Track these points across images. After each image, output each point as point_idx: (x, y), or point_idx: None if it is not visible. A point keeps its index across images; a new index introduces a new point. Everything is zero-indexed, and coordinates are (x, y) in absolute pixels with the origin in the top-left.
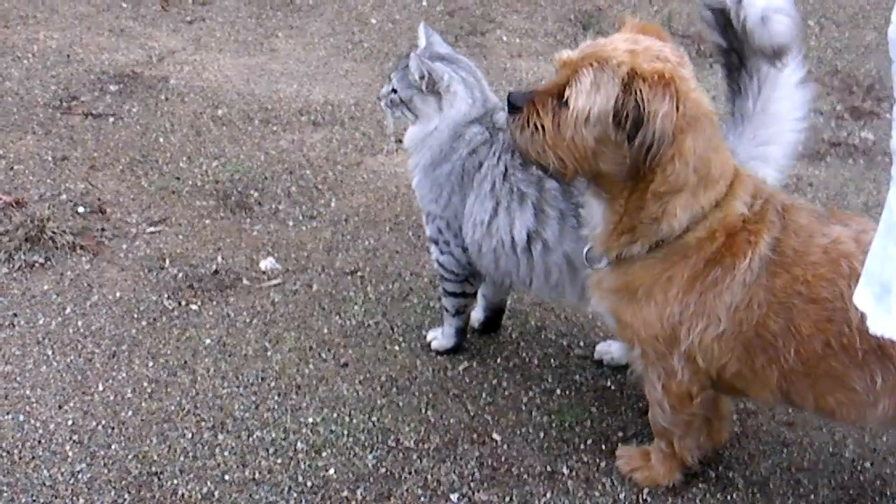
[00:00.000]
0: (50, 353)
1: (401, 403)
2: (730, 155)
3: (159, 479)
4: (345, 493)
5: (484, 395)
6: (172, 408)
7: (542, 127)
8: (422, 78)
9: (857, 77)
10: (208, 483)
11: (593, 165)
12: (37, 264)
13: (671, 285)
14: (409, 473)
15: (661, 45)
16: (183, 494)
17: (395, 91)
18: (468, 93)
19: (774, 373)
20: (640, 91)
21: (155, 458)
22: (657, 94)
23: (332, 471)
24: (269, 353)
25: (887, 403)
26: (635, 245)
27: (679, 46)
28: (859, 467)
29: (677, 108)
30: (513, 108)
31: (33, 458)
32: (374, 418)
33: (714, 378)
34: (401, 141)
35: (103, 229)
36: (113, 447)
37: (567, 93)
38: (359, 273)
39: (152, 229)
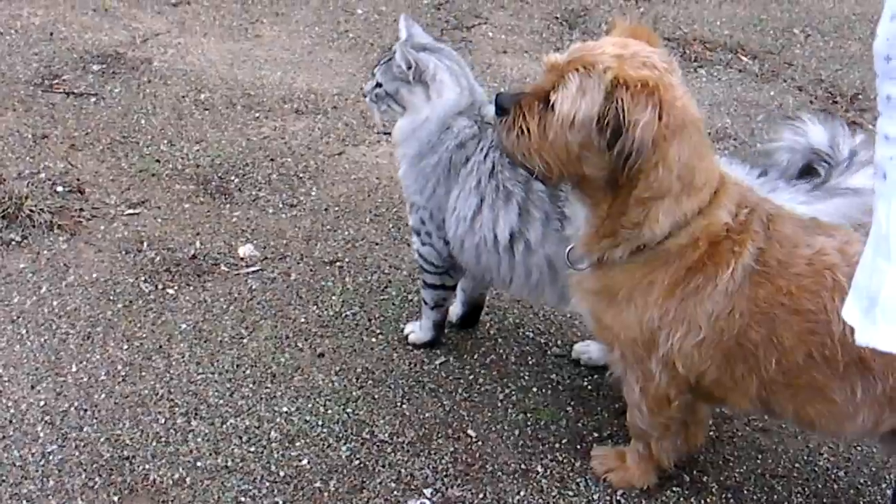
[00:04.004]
0: (24, 332)
1: (376, 396)
2: (716, 163)
3: (131, 463)
4: (317, 484)
5: (460, 390)
6: (146, 392)
7: (528, 130)
8: (409, 68)
9: (840, 87)
10: (180, 469)
11: (578, 170)
12: (13, 242)
13: (651, 290)
14: (383, 466)
15: (650, 51)
16: (154, 480)
17: (379, 85)
18: (455, 81)
19: (754, 382)
20: (622, 100)
21: (127, 441)
22: (639, 104)
23: (305, 461)
24: (245, 341)
25: (866, 415)
26: (617, 249)
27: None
28: (833, 476)
29: (660, 118)
30: (500, 109)
31: (3, 437)
32: (348, 410)
33: (693, 384)
34: (384, 133)
35: (82, 209)
36: (85, 429)
37: (553, 97)
38: (338, 263)
39: (131, 211)
